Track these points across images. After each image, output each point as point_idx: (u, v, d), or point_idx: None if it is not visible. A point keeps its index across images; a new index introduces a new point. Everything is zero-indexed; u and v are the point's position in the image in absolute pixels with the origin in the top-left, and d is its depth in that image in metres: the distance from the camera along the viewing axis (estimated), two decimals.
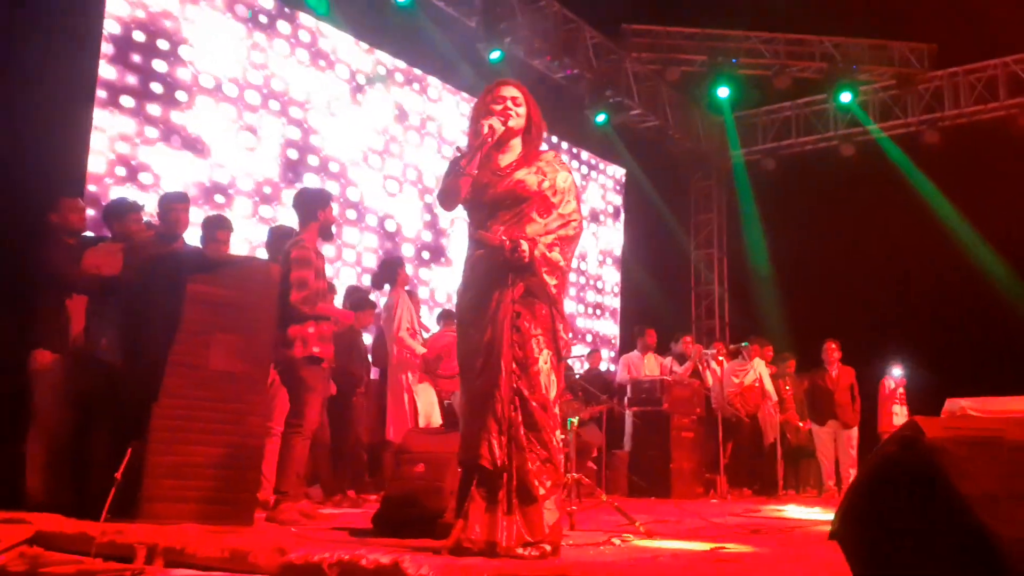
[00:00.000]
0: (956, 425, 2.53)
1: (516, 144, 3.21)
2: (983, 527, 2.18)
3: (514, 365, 2.99)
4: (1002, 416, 7.77)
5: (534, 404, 2.98)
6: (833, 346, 9.37)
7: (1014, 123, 11.87)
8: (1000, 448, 2.39)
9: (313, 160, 8.61)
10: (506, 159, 3.19)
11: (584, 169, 12.56)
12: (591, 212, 12.46)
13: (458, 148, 3.30)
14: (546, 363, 3.03)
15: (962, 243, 11.76)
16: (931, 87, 12.57)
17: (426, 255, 9.80)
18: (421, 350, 6.36)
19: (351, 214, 8.89)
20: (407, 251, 9.44)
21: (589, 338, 12.04)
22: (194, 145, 7.55)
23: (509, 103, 3.18)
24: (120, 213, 5.09)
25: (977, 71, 12.29)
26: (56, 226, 4.84)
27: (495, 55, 9.95)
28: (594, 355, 10.04)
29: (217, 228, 5.39)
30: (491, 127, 3.08)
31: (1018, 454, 2.37)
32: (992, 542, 2.17)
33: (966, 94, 12.36)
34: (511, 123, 3.16)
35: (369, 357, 7.06)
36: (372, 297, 7.38)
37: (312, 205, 4.89)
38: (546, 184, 3.12)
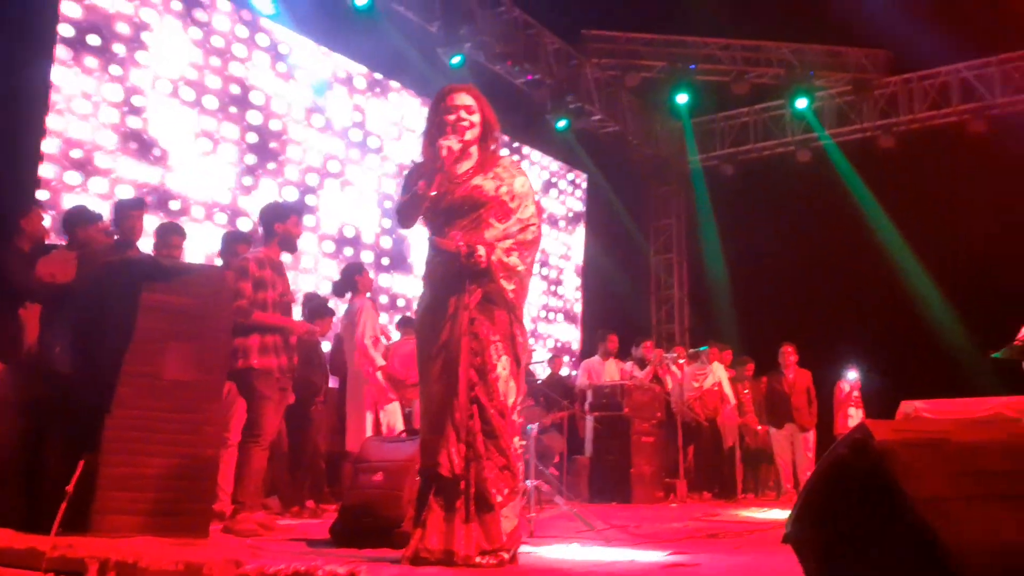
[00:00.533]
0: (905, 428, 2.57)
1: (473, 151, 3.19)
2: (931, 528, 2.22)
3: (472, 372, 2.98)
4: (952, 418, 7.94)
5: (492, 411, 2.96)
6: (789, 349, 9.47)
7: (966, 128, 12.13)
8: (947, 450, 2.43)
9: (271, 165, 8.53)
10: (463, 166, 3.16)
11: (545, 174, 12.59)
12: (552, 217, 12.49)
13: (413, 161, 3.29)
14: (504, 369, 3.02)
15: (917, 247, 11.99)
16: (886, 93, 12.81)
17: (386, 261, 9.76)
18: (380, 362, 6.32)
19: (309, 220, 8.82)
20: (366, 257, 9.39)
21: (551, 343, 12.06)
22: (149, 151, 7.44)
23: (463, 113, 3.16)
24: (80, 221, 5.01)
25: (930, 77, 12.54)
26: (20, 233, 4.76)
27: (456, 59, 9.95)
28: (555, 360, 10.07)
29: (171, 234, 5.32)
30: (449, 149, 3.05)
31: (964, 455, 2.42)
32: (940, 543, 2.20)
33: (920, 100, 12.61)
34: (467, 135, 3.14)
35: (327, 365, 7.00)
36: (332, 304, 7.32)
37: (270, 218, 4.93)
38: (503, 189, 3.10)
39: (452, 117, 3.15)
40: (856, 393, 9.92)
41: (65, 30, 6.93)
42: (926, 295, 11.69)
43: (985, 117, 12.03)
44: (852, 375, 10.09)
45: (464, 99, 3.18)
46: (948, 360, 10.81)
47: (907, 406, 8.38)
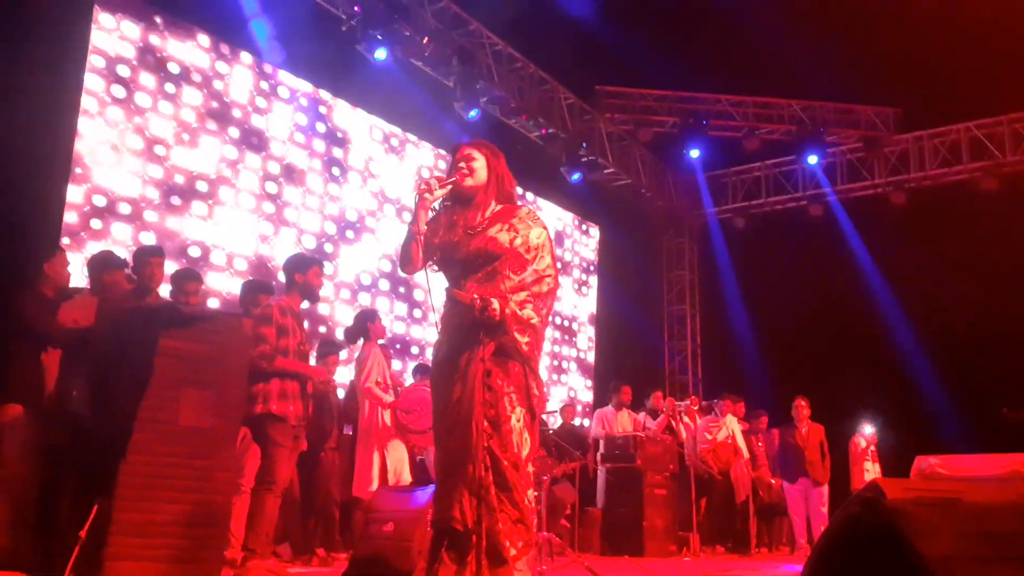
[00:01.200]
0: (917, 487, 2.58)
1: (486, 201, 3.23)
2: None
3: (485, 424, 2.98)
4: (967, 475, 7.86)
5: (506, 463, 2.97)
6: (802, 403, 9.43)
7: (977, 186, 12.19)
8: (958, 510, 2.44)
9: (289, 214, 8.65)
10: (478, 216, 3.21)
11: (559, 226, 12.70)
12: (565, 268, 12.57)
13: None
14: (518, 421, 3.03)
15: (930, 303, 11.97)
16: (897, 150, 12.91)
17: (417, 313, 9.89)
18: (388, 399, 6.35)
19: (328, 269, 8.91)
20: (382, 305, 9.46)
21: (563, 392, 12.04)
22: (170, 198, 7.57)
23: (462, 163, 3.23)
24: (104, 267, 5.10)
25: (941, 135, 12.65)
26: (44, 278, 4.85)
27: (472, 112, 10.12)
28: (568, 409, 10.04)
29: (187, 281, 5.40)
30: (427, 184, 3.12)
31: (976, 516, 2.42)
32: None
33: (931, 157, 12.70)
34: (466, 182, 3.20)
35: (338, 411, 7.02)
36: (344, 352, 7.38)
37: (292, 269, 5.09)
38: (518, 241, 3.12)
39: (457, 166, 3.24)
40: (872, 448, 9.82)
41: (93, 82, 7.10)
42: (941, 351, 11.63)
43: (995, 175, 12.09)
44: (868, 429, 10.01)
45: (468, 151, 3.25)
46: (964, 416, 10.72)
47: (922, 462, 8.33)
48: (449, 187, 3.18)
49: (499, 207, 3.24)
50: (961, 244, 11.38)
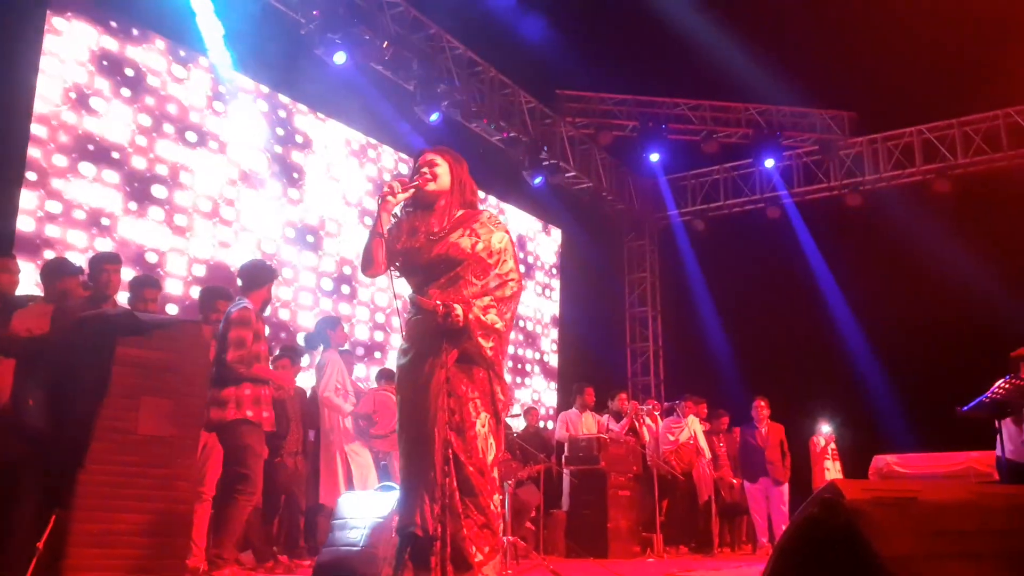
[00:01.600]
0: (875, 487, 2.63)
1: (448, 207, 3.23)
2: None
3: (449, 430, 2.98)
4: (924, 472, 8.02)
5: (471, 469, 2.97)
6: (762, 403, 9.55)
7: (930, 188, 12.44)
8: (915, 509, 2.49)
9: (248, 220, 8.56)
10: (439, 222, 3.20)
11: (521, 229, 12.73)
12: (527, 271, 12.59)
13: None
14: (483, 426, 3.04)
15: (886, 302, 12.20)
16: (851, 153, 13.15)
17: (379, 317, 9.84)
18: (347, 408, 6.31)
19: (287, 272, 8.84)
20: (345, 310, 9.40)
21: (526, 395, 12.06)
22: (139, 204, 7.46)
23: (425, 168, 3.24)
24: (58, 274, 4.99)
25: (894, 138, 12.91)
26: None
27: (433, 116, 10.11)
28: (531, 412, 10.07)
29: (145, 287, 5.32)
30: (389, 187, 3.14)
31: (932, 515, 2.47)
32: None
33: (885, 160, 12.95)
34: (429, 187, 3.20)
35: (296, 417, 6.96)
36: (306, 358, 7.33)
37: (262, 276, 5.04)
38: (480, 246, 3.12)
39: (420, 171, 3.25)
40: (832, 446, 9.97)
41: (46, 86, 6.97)
42: (895, 350, 11.84)
43: (948, 177, 12.37)
44: (826, 428, 10.17)
45: (432, 157, 3.27)
46: (919, 414, 10.92)
47: (879, 461, 8.47)
48: (412, 191, 3.18)
49: (460, 212, 3.24)
50: (916, 245, 11.61)
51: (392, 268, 3.23)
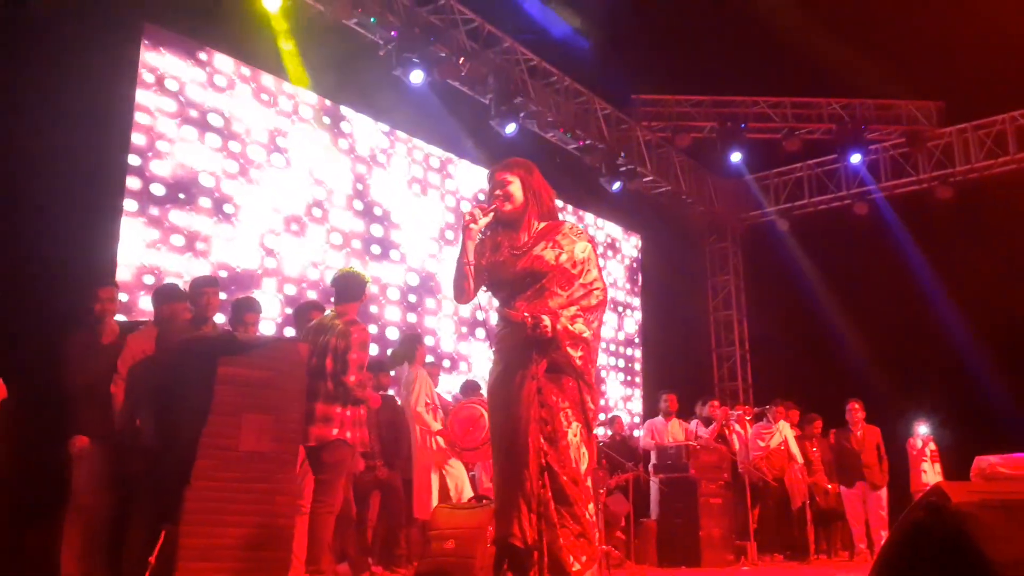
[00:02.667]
0: (984, 489, 2.54)
1: (528, 221, 3.29)
2: None
3: (542, 440, 3.02)
4: None
5: (564, 478, 3.00)
6: (856, 406, 9.30)
7: None
8: None
9: (336, 238, 8.78)
10: (523, 236, 3.27)
11: (601, 235, 12.71)
12: (609, 278, 12.56)
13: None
14: (575, 436, 3.07)
15: (984, 297, 11.75)
16: (940, 144, 12.71)
17: (464, 329, 9.98)
18: (436, 426, 6.40)
19: (374, 288, 9.03)
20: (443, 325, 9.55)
21: (611, 403, 12.01)
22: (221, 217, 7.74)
23: (497, 189, 3.30)
24: (164, 299, 5.24)
25: (985, 126, 12.43)
26: (96, 315, 5.04)
27: (510, 128, 10.21)
28: (616, 421, 10.02)
29: (246, 311, 5.51)
30: (471, 215, 3.21)
31: None
32: None
33: (976, 149, 12.48)
34: (506, 207, 3.27)
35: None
36: (393, 373, 7.46)
37: (357, 288, 5.15)
38: (563, 257, 3.17)
39: (494, 193, 3.31)
40: (932, 447, 9.64)
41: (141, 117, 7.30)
42: (997, 347, 11.38)
43: None
44: (923, 430, 9.83)
45: (503, 176, 3.32)
46: (1022, 413, 10.47)
47: (982, 462, 8.13)
48: (491, 215, 3.25)
49: (543, 225, 3.29)
50: (1013, 236, 11.15)
51: (482, 286, 3.30)
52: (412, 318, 9.44)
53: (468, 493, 6.28)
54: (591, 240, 3.31)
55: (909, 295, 12.13)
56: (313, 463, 4.83)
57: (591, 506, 3.07)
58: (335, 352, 4.81)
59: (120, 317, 5.59)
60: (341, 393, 4.76)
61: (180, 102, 7.61)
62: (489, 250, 3.29)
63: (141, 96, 7.32)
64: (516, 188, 3.28)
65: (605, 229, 12.87)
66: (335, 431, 4.75)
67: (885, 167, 13.18)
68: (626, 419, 11.23)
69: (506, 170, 3.34)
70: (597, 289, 3.20)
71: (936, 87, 12.32)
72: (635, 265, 13.38)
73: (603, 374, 12.07)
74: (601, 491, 5.42)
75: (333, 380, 4.76)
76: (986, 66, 10.76)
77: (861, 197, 13.25)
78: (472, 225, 3.20)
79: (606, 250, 12.75)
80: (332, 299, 5.34)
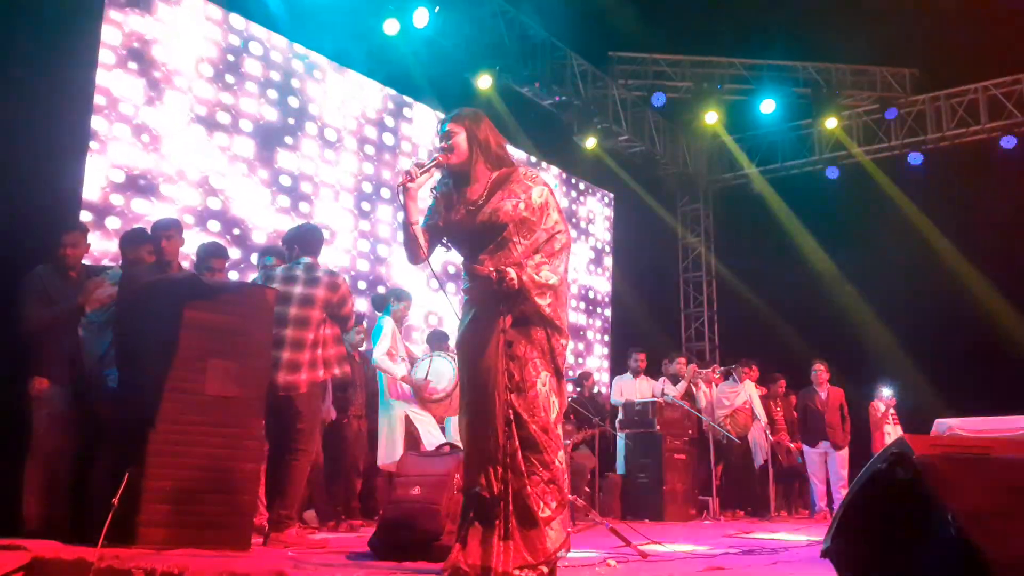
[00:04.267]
0: (944, 443, 2.59)
1: (480, 172, 3.19)
2: (972, 542, 2.23)
3: (509, 392, 3.01)
4: (990, 435, 7.87)
5: (534, 427, 3.00)
6: (821, 367, 9.43)
7: (995, 146, 12.07)
8: (988, 465, 2.45)
9: (307, 187, 8.66)
10: (476, 189, 3.18)
11: (574, 193, 12.67)
12: (579, 236, 12.54)
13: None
14: (544, 385, 3.06)
15: (947, 263, 11.94)
16: (913, 111, 12.79)
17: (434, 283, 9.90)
18: (400, 371, 6.38)
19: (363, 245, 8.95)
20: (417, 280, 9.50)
21: (579, 360, 12.08)
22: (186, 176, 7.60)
23: (443, 141, 3.20)
24: (127, 243, 5.16)
25: (958, 95, 12.51)
26: (62, 258, 4.95)
27: (485, 80, 10.08)
28: (587, 377, 10.08)
29: (212, 256, 5.42)
30: (407, 174, 3.11)
31: (1005, 471, 2.43)
32: (980, 557, 2.22)
33: (948, 118, 12.57)
34: (452, 160, 3.16)
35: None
36: (364, 323, 7.42)
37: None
38: (521, 206, 3.11)
39: (440, 144, 3.21)
40: (892, 410, 9.82)
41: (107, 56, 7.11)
42: (959, 312, 11.58)
43: (1015, 134, 11.98)
44: (886, 392, 9.99)
45: (449, 127, 3.20)
46: (983, 377, 10.68)
47: (941, 424, 8.31)
48: (431, 171, 3.17)
49: (495, 174, 3.19)
50: (982, 204, 11.30)
51: (440, 245, 3.27)
52: (383, 270, 9.37)
53: (439, 438, 6.28)
54: (546, 184, 3.23)
55: (876, 259, 12.27)
56: (288, 411, 4.81)
57: (561, 454, 3.08)
58: (327, 304, 4.90)
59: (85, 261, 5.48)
60: (332, 341, 4.90)
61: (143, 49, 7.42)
62: (444, 208, 3.21)
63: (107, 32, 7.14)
64: (461, 139, 3.16)
65: (578, 186, 12.82)
66: (321, 373, 4.85)
67: (858, 132, 13.24)
68: (596, 376, 11.32)
69: (452, 122, 3.22)
70: (559, 232, 3.15)
71: (910, 55, 12.36)
72: (607, 223, 13.37)
73: (579, 332, 12.11)
74: (567, 443, 5.45)
75: (318, 329, 4.86)
76: (959, 37, 10.79)
77: (834, 161, 13.34)
78: (410, 184, 3.10)
79: (577, 210, 12.71)
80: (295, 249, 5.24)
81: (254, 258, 7.30)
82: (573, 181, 12.71)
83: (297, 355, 4.76)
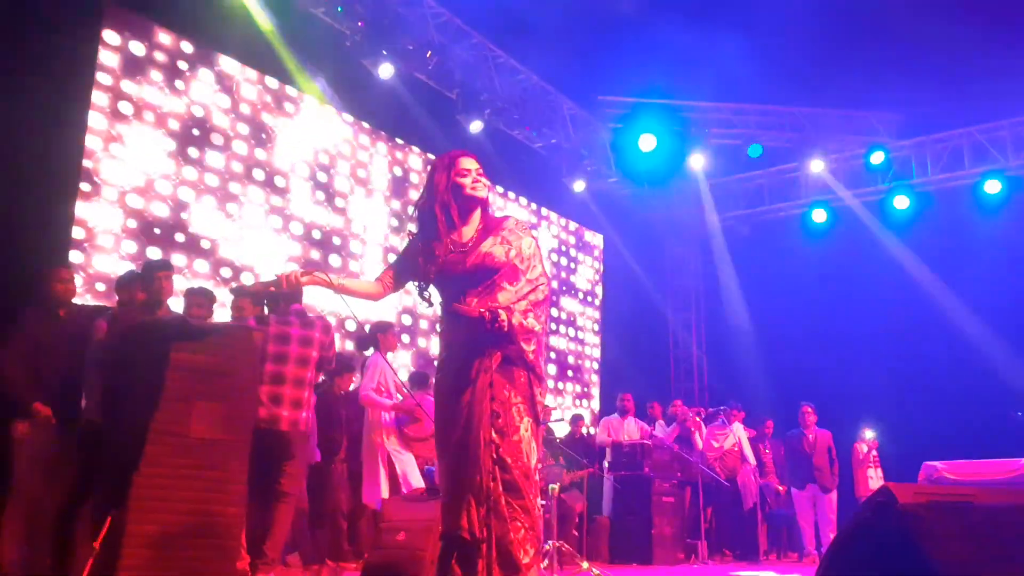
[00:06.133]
0: (928, 491, 2.60)
1: (476, 216, 3.26)
2: None
3: (493, 434, 3.02)
4: (972, 481, 7.86)
5: (516, 472, 3.00)
6: (808, 409, 9.44)
7: (980, 190, 12.21)
8: (970, 513, 2.46)
9: (296, 228, 8.69)
10: (468, 232, 3.23)
11: (563, 235, 12.74)
12: (569, 278, 12.59)
13: (410, 233, 3.36)
14: (527, 431, 3.07)
15: (935, 305, 12.02)
16: (899, 155, 12.94)
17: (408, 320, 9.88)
18: (387, 403, 6.35)
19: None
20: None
21: (568, 400, 12.05)
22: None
23: (475, 173, 3.24)
24: (120, 284, 5.17)
25: (943, 140, 12.68)
26: (51, 295, 4.95)
27: (476, 124, 10.19)
28: (577, 420, 10.04)
29: (198, 296, 5.43)
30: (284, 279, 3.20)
31: (988, 519, 2.44)
32: None
33: (934, 162, 12.73)
34: (482, 194, 3.22)
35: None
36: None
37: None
38: (512, 253, 3.17)
39: (468, 180, 3.22)
40: (874, 453, 9.82)
41: (99, 99, 7.17)
42: (945, 354, 11.64)
43: (1000, 178, 12.15)
44: (869, 434, 10.01)
45: (475, 163, 3.27)
46: (969, 421, 10.70)
47: (929, 467, 8.32)
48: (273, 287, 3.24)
49: (487, 219, 3.26)
50: (968, 248, 11.43)
51: (419, 284, 3.29)
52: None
53: (418, 480, 6.23)
54: (534, 237, 3.32)
55: (862, 302, 12.35)
56: (281, 449, 4.79)
57: (539, 500, 3.09)
58: (322, 346, 5.09)
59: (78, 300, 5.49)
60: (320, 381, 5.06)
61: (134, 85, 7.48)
62: (427, 247, 3.20)
63: (101, 76, 7.20)
64: (487, 182, 3.27)
65: (568, 227, 12.90)
66: (304, 415, 4.90)
67: (844, 176, 13.39)
68: (587, 417, 11.30)
69: (476, 158, 3.31)
70: (542, 284, 3.22)
71: (895, 101, 12.54)
72: (597, 264, 13.43)
73: (567, 372, 12.11)
74: (555, 486, 5.43)
75: (315, 370, 5.06)
76: (944, 83, 10.98)
77: (820, 204, 13.47)
78: (290, 286, 3.20)
79: (568, 250, 12.78)
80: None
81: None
82: (563, 222, 12.79)
83: (299, 392, 4.88)
